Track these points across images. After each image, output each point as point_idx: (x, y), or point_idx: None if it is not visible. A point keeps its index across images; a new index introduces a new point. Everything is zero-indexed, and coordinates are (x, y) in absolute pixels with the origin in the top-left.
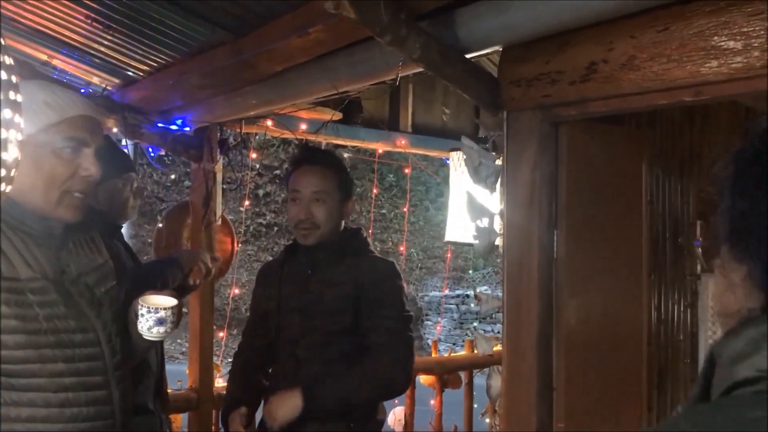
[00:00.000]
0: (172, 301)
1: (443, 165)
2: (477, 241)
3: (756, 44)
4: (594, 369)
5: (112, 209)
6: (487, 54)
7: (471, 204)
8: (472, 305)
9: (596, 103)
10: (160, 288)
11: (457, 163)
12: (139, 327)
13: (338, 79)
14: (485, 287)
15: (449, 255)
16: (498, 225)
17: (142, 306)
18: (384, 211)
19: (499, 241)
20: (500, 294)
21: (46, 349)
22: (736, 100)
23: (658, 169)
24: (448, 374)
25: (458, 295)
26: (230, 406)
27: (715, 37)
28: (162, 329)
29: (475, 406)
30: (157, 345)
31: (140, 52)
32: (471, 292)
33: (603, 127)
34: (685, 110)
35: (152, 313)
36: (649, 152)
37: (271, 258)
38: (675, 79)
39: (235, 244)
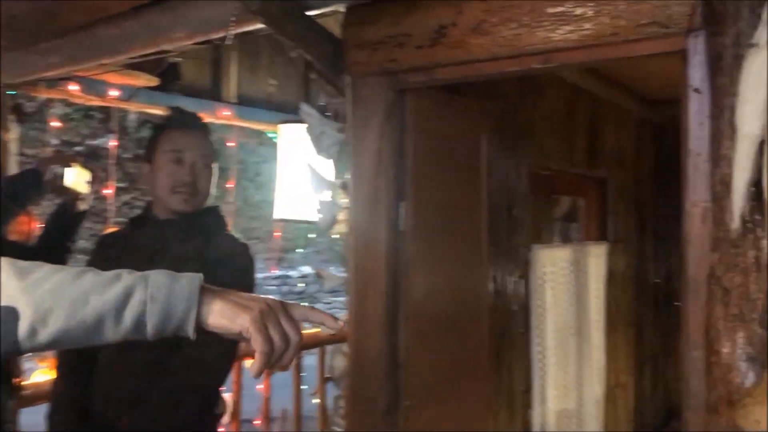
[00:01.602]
0: None
1: (263, 144)
2: (321, 215)
3: (606, 11)
4: (439, 342)
5: None
6: (330, 14)
7: (313, 177)
8: (297, 286)
9: (444, 69)
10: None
11: (287, 137)
12: None
13: (159, 35)
14: (307, 267)
15: (278, 234)
16: (340, 198)
17: None
18: None
19: (340, 215)
20: (334, 271)
21: None
22: (562, 78)
23: (496, 141)
24: None
25: (279, 276)
26: (59, 409)
27: (567, 3)
28: None
29: (305, 387)
30: None
31: None
32: (291, 273)
33: (448, 96)
34: (518, 86)
35: None
36: (487, 125)
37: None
38: (525, 45)
39: (33, 225)
